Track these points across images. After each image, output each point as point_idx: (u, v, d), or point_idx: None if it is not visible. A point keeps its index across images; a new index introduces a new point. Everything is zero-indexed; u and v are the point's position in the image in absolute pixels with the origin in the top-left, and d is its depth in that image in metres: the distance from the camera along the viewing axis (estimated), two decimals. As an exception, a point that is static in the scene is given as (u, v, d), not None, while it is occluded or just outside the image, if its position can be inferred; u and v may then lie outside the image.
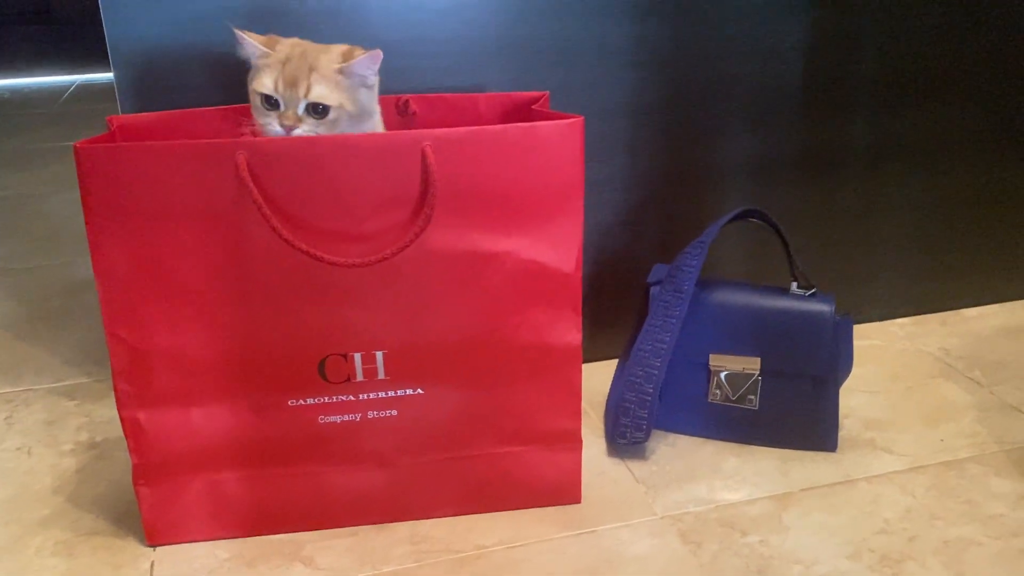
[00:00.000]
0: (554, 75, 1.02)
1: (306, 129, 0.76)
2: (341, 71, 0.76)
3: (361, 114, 0.79)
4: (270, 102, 0.76)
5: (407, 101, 0.94)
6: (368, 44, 0.95)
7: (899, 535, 0.83)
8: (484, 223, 0.76)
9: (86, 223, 0.73)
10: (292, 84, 0.75)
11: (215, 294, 0.75)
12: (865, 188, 1.20)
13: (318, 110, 0.76)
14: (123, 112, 0.92)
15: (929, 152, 1.21)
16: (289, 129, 0.75)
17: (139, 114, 0.85)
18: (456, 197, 0.75)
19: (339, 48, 0.78)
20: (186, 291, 0.75)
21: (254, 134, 0.80)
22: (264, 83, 0.76)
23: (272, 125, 0.76)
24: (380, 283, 0.77)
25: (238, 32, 0.77)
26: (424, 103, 0.94)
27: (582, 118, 0.76)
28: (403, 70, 0.98)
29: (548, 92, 0.93)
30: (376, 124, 0.83)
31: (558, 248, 0.79)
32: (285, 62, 0.76)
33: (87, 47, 3.87)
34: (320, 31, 0.94)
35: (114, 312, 0.75)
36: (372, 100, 0.81)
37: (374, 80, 0.80)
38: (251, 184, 0.70)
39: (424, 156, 0.73)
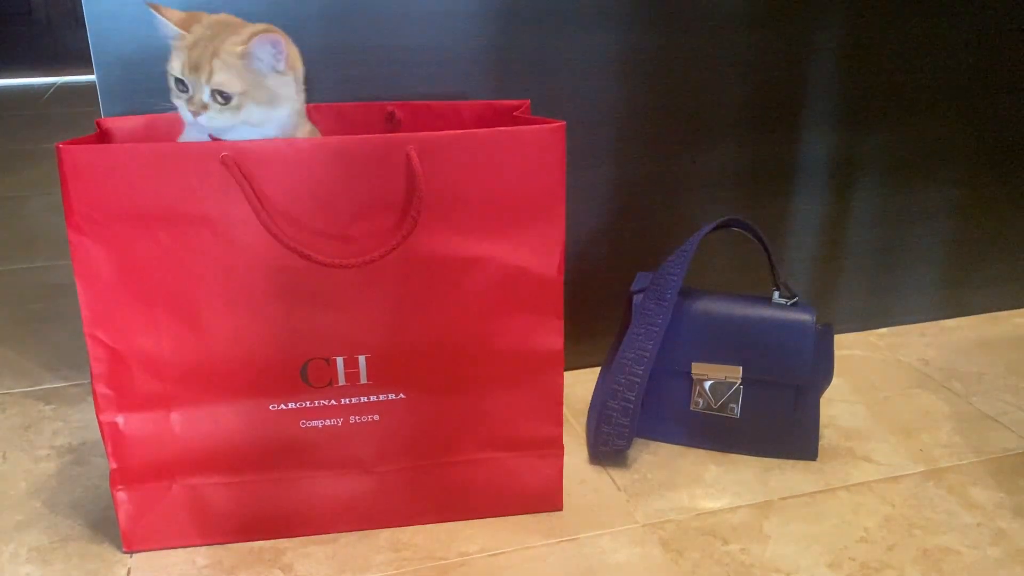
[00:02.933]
0: (536, 84, 1.02)
1: (211, 115, 0.75)
2: (241, 55, 0.75)
3: (271, 100, 0.78)
4: (181, 85, 0.76)
5: (392, 111, 0.94)
6: (352, 51, 0.96)
7: (879, 544, 0.84)
8: (467, 227, 0.76)
9: (67, 224, 0.72)
10: (195, 69, 0.75)
11: (196, 297, 0.75)
12: (844, 199, 1.21)
13: (221, 96, 0.75)
14: (105, 114, 0.91)
15: (905, 165, 1.22)
16: (196, 115, 0.76)
17: (126, 117, 0.85)
18: (440, 201, 0.75)
19: (250, 30, 0.76)
20: (167, 294, 0.74)
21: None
22: (173, 66, 0.76)
23: (183, 109, 0.76)
24: (364, 286, 0.76)
25: (152, 7, 0.76)
26: (407, 110, 0.94)
27: (564, 123, 0.76)
28: (387, 76, 0.98)
29: (529, 100, 0.93)
30: (293, 114, 0.81)
31: (541, 253, 0.79)
32: (192, 46, 0.75)
33: (69, 48, 3.85)
34: (304, 37, 0.94)
35: (94, 315, 0.74)
36: (285, 86, 0.79)
37: (283, 67, 0.78)
38: (244, 181, 0.70)
39: (409, 160, 0.73)
